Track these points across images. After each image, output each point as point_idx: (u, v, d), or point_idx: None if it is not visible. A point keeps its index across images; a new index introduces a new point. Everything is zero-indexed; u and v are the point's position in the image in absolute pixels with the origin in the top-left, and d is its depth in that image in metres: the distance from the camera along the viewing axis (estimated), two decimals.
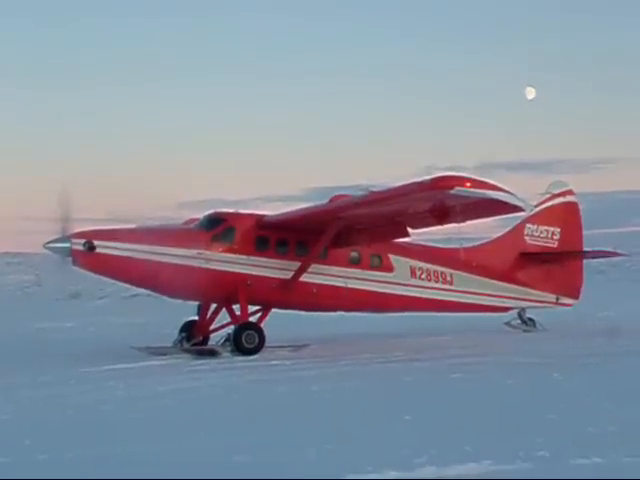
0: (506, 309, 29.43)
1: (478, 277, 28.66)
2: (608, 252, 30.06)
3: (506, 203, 21.12)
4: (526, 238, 30.40)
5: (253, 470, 10.68)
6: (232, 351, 24.11)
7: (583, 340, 25.50)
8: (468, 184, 20.69)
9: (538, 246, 30.49)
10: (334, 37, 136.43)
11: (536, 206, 30.65)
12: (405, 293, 27.29)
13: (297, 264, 25.25)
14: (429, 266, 27.85)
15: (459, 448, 11.46)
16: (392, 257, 27.26)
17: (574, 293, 30.52)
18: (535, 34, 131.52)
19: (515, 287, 29.43)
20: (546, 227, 30.58)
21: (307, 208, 25.05)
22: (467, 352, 23.12)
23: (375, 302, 26.76)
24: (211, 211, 25.87)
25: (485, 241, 30.31)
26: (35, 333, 32.42)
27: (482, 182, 20.87)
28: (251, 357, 23.31)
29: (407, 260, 27.52)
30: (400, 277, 27.25)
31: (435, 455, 11.11)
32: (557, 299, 30.17)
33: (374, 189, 23.03)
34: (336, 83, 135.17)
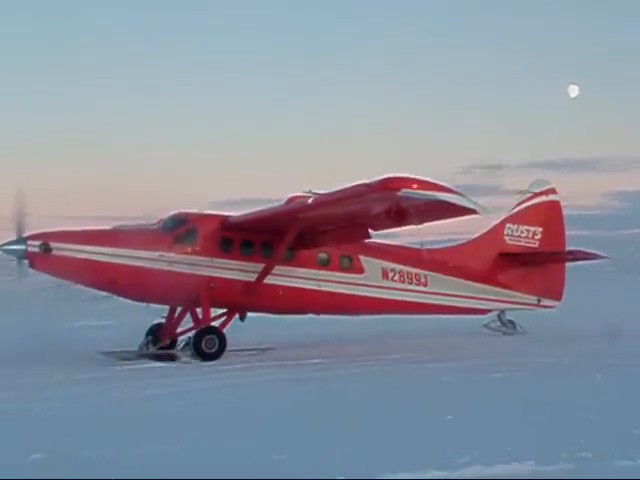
0: (484, 311, 28.63)
1: (454, 278, 27.87)
2: (589, 253, 29.09)
3: (456, 205, 20.43)
4: (506, 238, 29.56)
5: (290, 469, 11.02)
6: (192, 356, 23.50)
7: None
8: (415, 186, 20.09)
9: (518, 246, 29.64)
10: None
11: (516, 206, 29.88)
12: (376, 295, 26.56)
13: (262, 266, 24.63)
14: (402, 267, 27.10)
15: (501, 448, 11.64)
16: (363, 258, 26.55)
17: (556, 295, 29.64)
18: (579, 33, 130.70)
19: (494, 288, 28.61)
20: (527, 227, 29.73)
21: (267, 209, 24.39)
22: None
23: (345, 304, 26.05)
24: (175, 211, 25.27)
25: (463, 241, 29.51)
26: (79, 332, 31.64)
27: (431, 184, 20.22)
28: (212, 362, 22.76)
29: (379, 261, 26.79)
30: (371, 279, 26.52)
31: (478, 455, 11.32)
32: (538, 301, 29.30)
33: (319, 191, 22.47)
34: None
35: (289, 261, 25.32)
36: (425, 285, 27.36)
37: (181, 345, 24.38)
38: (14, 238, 23.18)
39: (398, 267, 27.04)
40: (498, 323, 29.02)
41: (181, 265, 24.12)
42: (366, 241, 26.77)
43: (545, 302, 29.47)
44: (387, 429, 13.40)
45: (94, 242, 23.67)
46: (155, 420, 14.68)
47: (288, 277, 25.28)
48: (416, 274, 27.27)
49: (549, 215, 29.98)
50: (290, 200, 24.67)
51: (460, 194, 20.35)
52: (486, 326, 28.93)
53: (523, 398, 15.96)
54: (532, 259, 29.26)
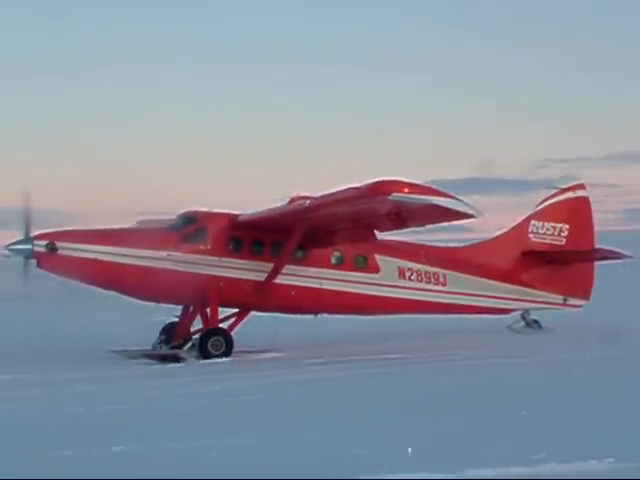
0: (507, 311, 27.79)
1: (474, 277, 27.11)
2: (615, 253, 28.03)
3: (450, 209, 19.82)
4: (530, 236, 28.62)
5: (369, 463, 11.18)
6: (197, 357, 23.24)
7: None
8: (406, 190, 19.67)
9: (544, 244, 28.71)
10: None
11: (542, 202, 28.96)
12: (393, 295, 25.97)
13: (272, 266, 24.24)
14: (420, 266, 26.44)
15: (578, 445, 11.62)
16: (378, 257, 25.95)
17: (584, 294, 28.65)
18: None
19: (517, 287, 27.76)
20: (553, 224, 28.77)
21: (274, 209, 23.96)
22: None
23: (360, 304, 25.52)
24: (184, 210, 24.99)
25: (485, 239, 28.71)
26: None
27: (423, 188, 19.76)
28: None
29: (395, 260, 26.17)
30: (387, 278, 25.93)
31: (554, 451, 11.33)
32: (565, 300, 28.36)
33: (305, 194, 22.08)
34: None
35: (301, 261, 24.91)
36: (444, 284, 26.67)
37: (187, 346, 24.09)
38: (21, 238, 23.18)
39: (416, 266, 26.40)
40: (522, 323, 28.18)
41: (188, 264, 23.85)
42: (382, 240, 26.31)
43: (572, 301, 28.53)
44: (462, 425, 13.56)
45: (100, 241, 23.54)
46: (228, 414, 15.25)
47: (300, 276, 24.86)
48: (434, 273, 26.59)
49: (577, 212, 28.95)
50: (292, 200, 24.16)
51: (454, 198, 19.74)
52: (510, 327, 28.11)
53: (597, 394, 15.99)
54: (557, 257, 28.34)
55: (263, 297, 24.34)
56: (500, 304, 27.49)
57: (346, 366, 21.41)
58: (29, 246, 23.00)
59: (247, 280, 24.29)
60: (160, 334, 25.34)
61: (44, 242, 23.08)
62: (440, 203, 19.64)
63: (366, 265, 25.75)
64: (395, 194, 19.68)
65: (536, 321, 28.20)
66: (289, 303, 24.84)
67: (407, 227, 22.38)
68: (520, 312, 28.07)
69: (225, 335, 23.47)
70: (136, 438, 13.16)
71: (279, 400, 16.97)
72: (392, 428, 13.54)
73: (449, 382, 18.43)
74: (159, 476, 10.91)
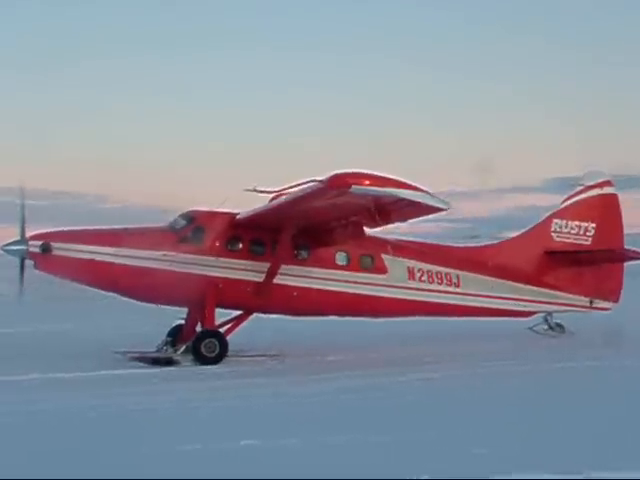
0: (527, 313, 26.62)
1: (492, 278, 26.03)
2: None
3: (417, 202, 18.93)
4: (553, 235, 27.39)
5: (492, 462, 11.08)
6: (192, 360, 22.72)
7: None
8: (367, 182, 18.83)
9: (567, 244, 27.44)
10: None
11: (565, 199, 27.70)
12: (401, 296, 25.06)
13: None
14: (431, 267, 25.48)
15: None
16: (386, 257, 25.09)
17: (612, 296, 27.29)
18: None
19: (537, 289, 26.58)
20: (577, 222, 27.47)
21: (265, 207, 23.30)
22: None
23: (366, 306, 24.70)
24: (185, 210, 24.55)
25: (504, 239, 27.58)
26: None
27: (386, 180, 18.86)
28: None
29: (404, 261, 25.27)
30: (395, 279, 25.04)
31: None
32: (591, 302, 27.04)
33: (260, 188, 21.40)
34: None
35: (304, 261, 24.24)
36: (457, 286, 25.66)
37: (181, 349, 23.57)
38: (16, 238, 23.02)
39: (426, 267, 25.45)
40: (544, 326, 26.95)
41: (185, 265, 23.37)
42: (392, 239, 25.53)
43: (599, 304, 27.18)
44: (560, 426, 13.36)
45: (96, 241, 23.21)
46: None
47: (303, 277, 24.18)
48: (447, 274, 25.61)
49: (604, 210, 27.62)
50: (273, 199, 23.55)
51: (420, 190, 18.83)
52: (531, 329, 26.90)
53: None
54: (581, 257, 27.03)
55: (263, 298, 23.74)
56: (520, 306, 26.38)
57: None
58: (24, 247, 22.78)
59: (247, 281, 23.71)
60: (167, 336, 24.95)
61: (39, 242, 22.87)
62: (404, 195, 18.78)
63: (373, 265, 24.94)
64: (355, 187, 18.91)
65: (559, 324, 26.97)
66: (291, 305, 24.19)
67: (389, 222, 21.48)
68: (543, 315, 26.89)
69: (219, 337, 22.87)
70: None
71: (389, 400, 16.52)
72: (508, 428, 13.32)
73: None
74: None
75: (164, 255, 23.28)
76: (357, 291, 24.60)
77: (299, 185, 20.47)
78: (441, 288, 25.47)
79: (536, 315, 26.87)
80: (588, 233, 27.51)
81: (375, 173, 18.91)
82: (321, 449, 12.16)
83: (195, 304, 23.93)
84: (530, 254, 26.89)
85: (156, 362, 22.95)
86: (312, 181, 19.74)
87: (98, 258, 23.11)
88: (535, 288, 26.52)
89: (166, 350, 24.40)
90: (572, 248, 27.31)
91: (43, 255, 22.84)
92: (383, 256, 24.99)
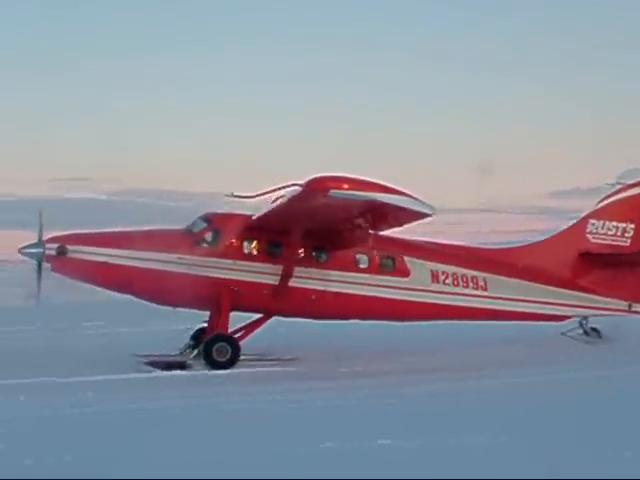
0: (560, 318, 25.59)
1: (521, 281, 25.13)
2: None
3: (397, 207, 18.36)
4: (588, 236, 26.29)
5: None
6: (204, 365, 22.51)
7: None
8: (346, 186, 18.48)
9: (604, 245, 26.30)
10: None
11: (602, 199, 26.57)
12: (424, 300, 24.42)
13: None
14: (456, 269, 24.74)
15: None
16: (408, 260, 24.47)
17: None
18: None
19: (571, 292, 25.56)
20: (615, 223, 26.32)
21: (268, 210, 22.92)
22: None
23: (387, 310, 24.13)
24: (202, 213, 24.36)
25: (536, 240, 26.60)
26: None
27: (365, 184, 18.40)
28: None
29: (427, 263, 24.60)
30: (418, 282, 24.40)
31: None
32: (630, 307, 25.90)
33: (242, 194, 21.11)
34: None
35: (322, 263, 23.82)
36: (484, 289, 24.86)
37: (194, 353, 23.36)
38: (34, 241, 23.18)
39: (451, 269, 24.73)
40: (580, 331, 25.91)
41: (200, 268, 23.19)
42: (414, 241, 24.94)
43: (639, 308, 26.02)
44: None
45: (111, 244, 23.22)
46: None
47: (321, 280, 23.76)
48: (473, 277, 24.84)
49: None
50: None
51: (404, 194, 18.25)
52: (564, 334, 25.88)
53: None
54: (619, 259, 25.89)
55: (280, 301, 23.41)
56: (552, 310, 25.42)
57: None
58: (40, 249, 22.93)
59: (263, 284, 23.42)
60: (190, 340, 24.83)
61: (55, 245, 23.00)
62: (384, 200, 18.27)
63: (394, 268, 24.34)
64: (333, 191, 18.59)
65: (595, 329, 25.86)
66: (310, 308, 23.80)
67: (386, 227, 20.98)
68: (578, 319, 25.85)
69: (231, 341, 22.62)
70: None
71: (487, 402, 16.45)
72: None
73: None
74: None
75: (179, 258, 23.16)
76: (377, 294, 24.10)
77: (279, 189, 20.13)
78: (466, 291, 24.72)
79: (570, 320, 25.85)
80: (627, 234, 26.34)
81: (356, 177, 18.51)
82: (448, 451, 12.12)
83: (212, 307, 23.77)
84: (564, 256, 25.88)
85: (169, 366, 22.74)
86: (293, 185, 19.36)
87: (112, 261, 23.13)
88: (569, 291, 25.52)
89: (189, 354, 24.33)
90: (609, 250, 26.18)
91: (59, 258, 22.95)
92: (405, 258, 24.41)
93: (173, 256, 23.14)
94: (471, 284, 24.80)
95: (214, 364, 22.23)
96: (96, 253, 23.13)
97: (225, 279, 23.28)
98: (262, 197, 21.50)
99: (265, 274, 23.44)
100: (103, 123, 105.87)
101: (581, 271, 25.90)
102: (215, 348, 22.41)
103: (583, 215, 26.46)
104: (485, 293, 24.85)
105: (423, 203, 18.77)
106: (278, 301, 23.37)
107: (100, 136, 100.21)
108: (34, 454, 12.01)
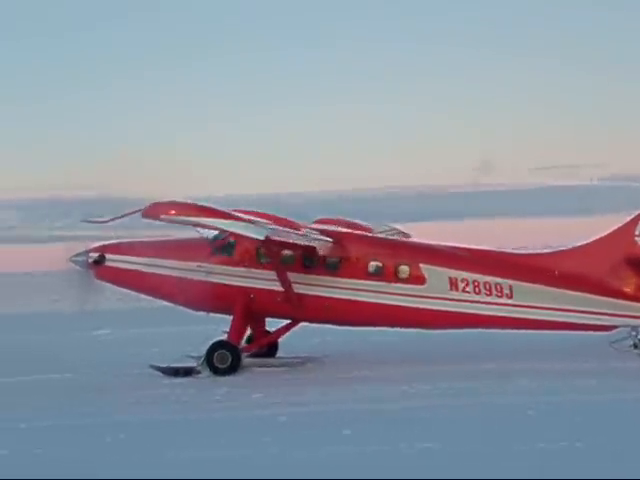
0: (605, 328, 23.77)
1: (555, 289, 23.66)
2: None
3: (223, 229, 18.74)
4: (638, 239, 24.00)
5: None
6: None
7: None
8: (172, 212, 19.95)
9: None
10: None
11: None
12: (442, 308, 23.89)
13: (302, 276, 24.04)
14: (477, 276, 23.88)
15: None
16: (424, 267, 24.04)
17: None
18: None
19: (617, 301, 23.63)
20: None
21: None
22: None
23: (403, 317, 24.03)
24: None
25: (578, 244, 24.74)
26: None
27: (192, 208, 19.36)
28: None
29: (444, 270, 24.00)
30: (434, 290, 23.91)
31: None
32: None
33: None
34: None
35: (334, 271, 24.18)
36: (510, 297, 23.76)
37: (202, 360, 24.37)
38: (81, 250, 25.68)
39: (472, 276, 23.91)
40: (630, 342, 23.88)
41: (217, 275, 24.45)
42: (436, 246, 24.59)
43: None
44: None
45: (139, 253, 25.14)
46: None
47: (334, 288, 24.14)
48: (497, 284, 23.81)
49: None
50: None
51: (229, 217, 18.55)
52: (612, 344, 23.96)
53: None
54: None
55: (293, 308, 24.12)
56: (594, 320, 23.65)
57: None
58: (84, 258, 25.43)
59: (276, 291, 24.22)
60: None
61: (95, 254, 25.36)
62: (209, 224, 18.78)
63: (409, 276, 24.04)
64: (163, 215, 20.17)
65: None
66: (324, 314, 24.29)
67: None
68: (627, 329, 23.86)
69: (232, 349, 23.63)
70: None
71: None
72: None
73: None
74: None
75: (198, 266, 24.59)
76: (387, 302, 24.00)
77: (130, 214, 21.02)
78: (488, 299, 23.79)
79: (619, 329, 23.92)
80: None
81: (188, 203, 19.84)
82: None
83: (229, 312, 24.89)
84: (608, 261, 23.93)
85: (177, 373, 23.99)
86: (138, 211, 20.54)
87: (142, 269, 25.08)
88: (610, 299, 23.64)
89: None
90: None
91: (98, 266, 25.31)
92: (421, 265, 24.03)
93: (193, 264, 24.61)
94: (495, 292, 23.83)
95: (215, 370, 23.41)
96: (129, 262, 25.21)
97: (240, 286, 24.39)
98: (114, 222, 23.22)
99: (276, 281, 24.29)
100: None
101: (627, 277, 23.84)
102: (216, 355, 23.56)
103: (631, 217, 24.22)
104: (510, 301, 23.76)
105: (253, 228, 19.16)
106: (291, 307, 24.19)
107: None
108: None
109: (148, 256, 25.08)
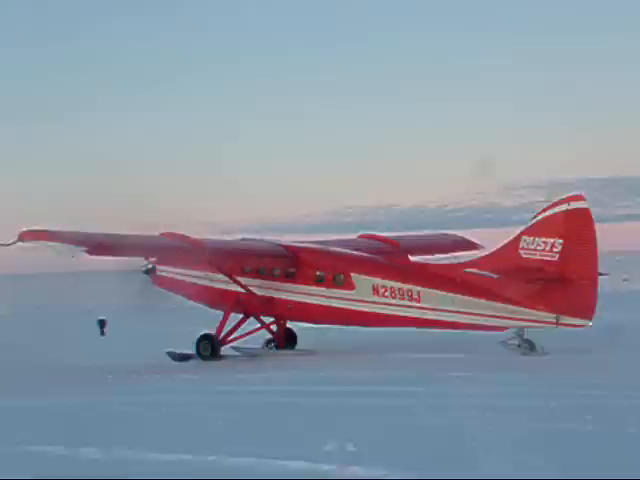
0: (499, 328, 27.73)
1: (457, 295, 28.01)
2: None
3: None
4: (521, 252, 27.26)
5: None
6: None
7: None
8: (28, 237, 27.40)
9: (534, 260, 27.08)
10: None
11: (535, 216, 27.26)
12: (367, 309, 29.46)
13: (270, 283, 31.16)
14: (393, 283, 29.01)
15: None
16: (354, 276, 29.70)
17: (584, 312, 26.34)
18: None
19: (507, 306, 27.40)
20: (544, 239, 26.83)
21: None
22: None
23: (338, 317, 30.05)
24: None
25: (479, 255, 28.52)
26: None
27: (39, 233, 27.44)
28: None
29: (370, 278, 29.43)
30: (361, 294, 29.52)
31: None
32: (557, 319, 26.68)
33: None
34: None
35: (292, 279, 30.94)
36: (418, 301, 28.61)
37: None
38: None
39: (390, 284, 29.10)
40: (516, 342, 27.67)
41: (220, 282, 32.04)
42: (365, 258, 30.17)
43: (567, 320, 26.62)
44: None
45: (177, 264, 33.23)
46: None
47: (293, 292, 31.00)
48: (409, 290, 28.73)
49: (572, 225, 26.44)
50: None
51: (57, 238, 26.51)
52: (503, 343, 27.84)
53: None
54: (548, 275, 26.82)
55: (268, 308, 31.22)
56: (487, 321, 27.73)
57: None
58: (144, 267, 34.13)
59: (259, 295, 31.42)
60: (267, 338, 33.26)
61: (150, 265, 33.98)
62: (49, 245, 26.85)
63: (344, 283, 29.87)
64: (26, 239, 27.29)
65: (528, 340, 27.37)
66: (289, 314, 31.08)
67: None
68: (514, 330, 27.67)
69: (211, 339, 31.16)
70: None
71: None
72: None
73: None
74: None
75: (205, 275, 32.37)
76: (330, 304, 30.11)
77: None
78: (402, 303, 28.85)
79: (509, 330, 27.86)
80: (555, 249, 26.65)
81: (41, 229, 27.54)
82: None
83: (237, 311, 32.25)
84: (501, 271, 27.53)
85: (184, 358, 31.69)
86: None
87: (178, 277, 33.30)
88: (505, 305, 27.40)
89: (270, 349, 32.79)
90: (538, 265, 27.06)
91: (151, 274, 33.91)
92: (351, 274, 29.74)
93: (201, 273, 32.44)
94: (407, 296, 28.84)
95: (202, 357, 31.21)
96: (170, 271, 33.53)
97: (230, 290, 31.80)
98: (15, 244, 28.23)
99: (257, 287, 31.45)
100: None
101: (515, 286, 27.40)
102: (202, 345, 31.26)
103: (517, 232, 27.53)
104: (418, 304, 28.66)
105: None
106: (267, 308, 31.35)
107: None
108: None
109: (182, 267, 33.15)
